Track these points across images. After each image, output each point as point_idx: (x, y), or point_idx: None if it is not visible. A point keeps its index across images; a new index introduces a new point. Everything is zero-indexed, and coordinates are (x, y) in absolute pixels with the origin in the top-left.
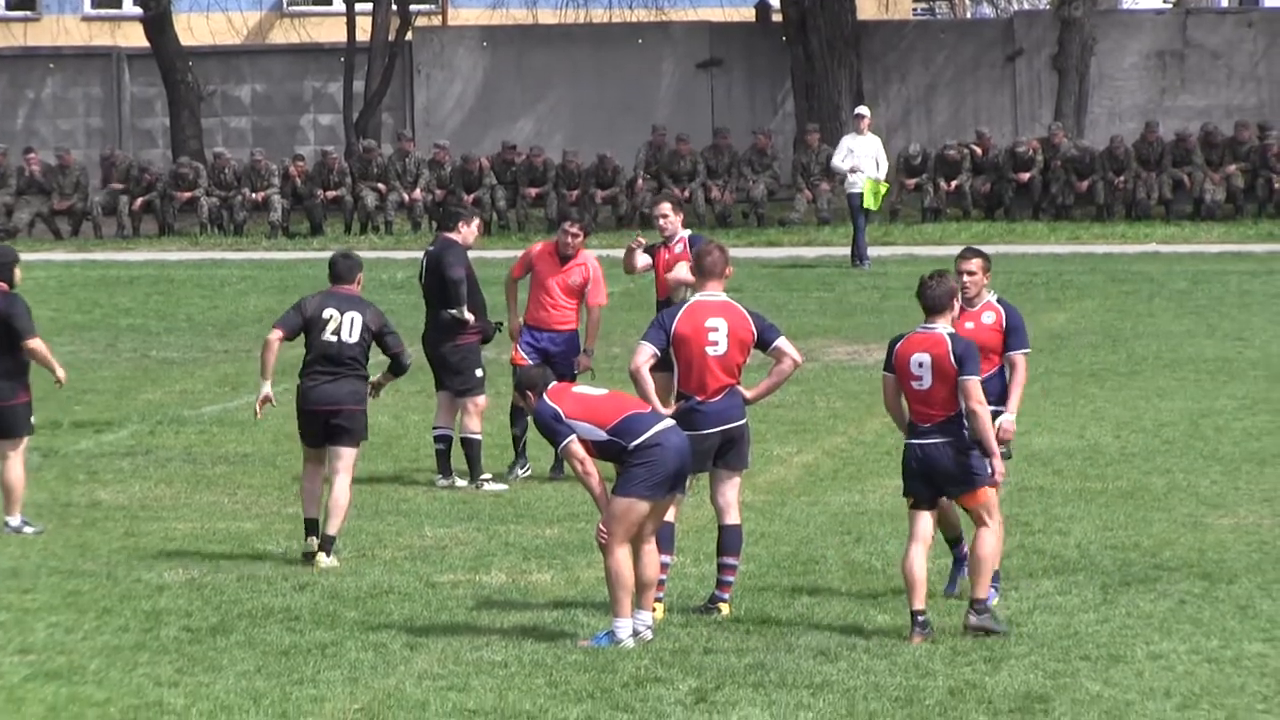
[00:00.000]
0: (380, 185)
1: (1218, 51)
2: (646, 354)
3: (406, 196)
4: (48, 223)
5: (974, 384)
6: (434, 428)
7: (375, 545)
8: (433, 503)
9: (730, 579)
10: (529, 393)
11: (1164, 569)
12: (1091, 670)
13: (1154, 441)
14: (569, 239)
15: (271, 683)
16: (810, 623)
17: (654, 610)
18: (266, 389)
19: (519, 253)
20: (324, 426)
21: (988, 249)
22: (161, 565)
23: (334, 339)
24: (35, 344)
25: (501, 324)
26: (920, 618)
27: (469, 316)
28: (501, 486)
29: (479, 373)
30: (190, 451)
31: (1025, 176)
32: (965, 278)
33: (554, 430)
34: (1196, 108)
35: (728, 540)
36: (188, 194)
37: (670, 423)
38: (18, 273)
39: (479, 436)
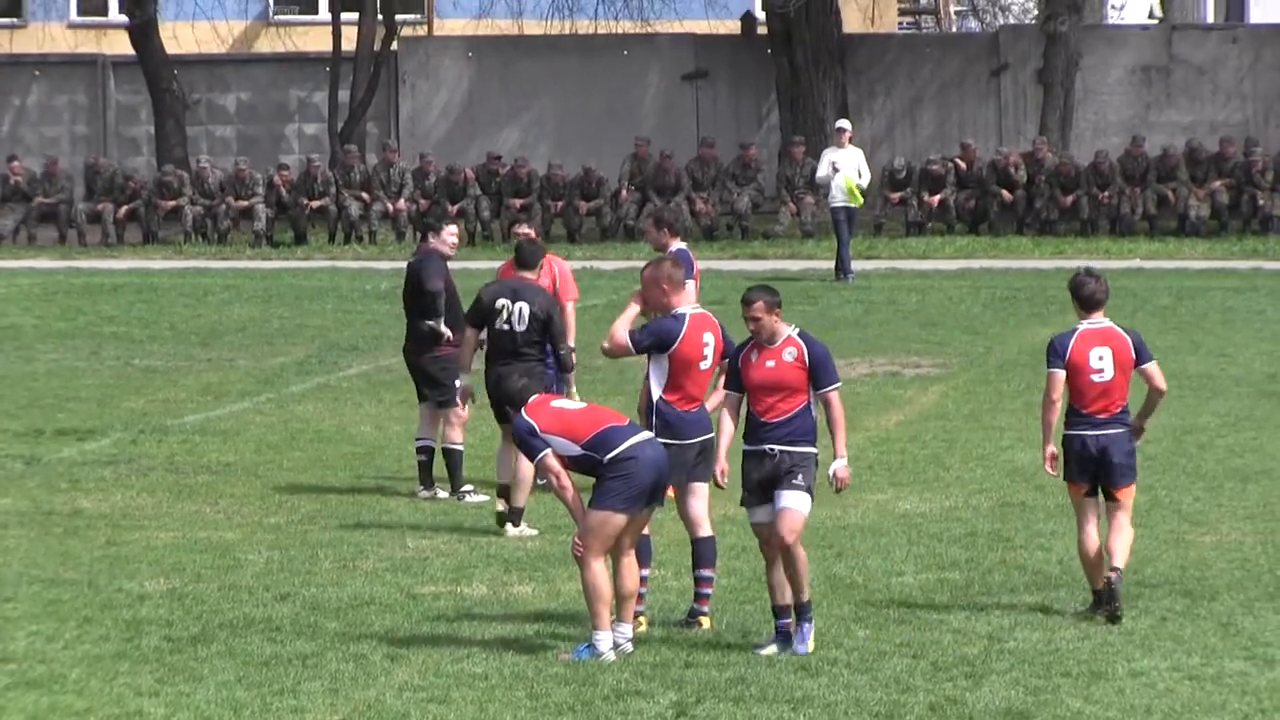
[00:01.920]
0: (364, 195)
1: (1203, 67)
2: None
3: (391, 206)
4: (28, 229)
5: (1158, 366)
6: (416, 439)
7: (357, 556)
8: (414, 514)
9: (708, 591)
10: (508, 409)
11: (1146, 586)
12: (1073, 687)
13: (1136, 457)
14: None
15: (252, 693)
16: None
17: (636, 623)
18: (464, 380)
19: (501, 263)
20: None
21: (972, 263)
22: (143, 574)
23: (506, 328)
24: None
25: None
26: (1097, 594)
27: (445, 331)
28: (483, 498)
29: (459, 384)
30: (173, 460)
31: (1010, 196)
32: (749, 323)
33: (529, 445)
34: (1182, 123)
35: (702, 553)
36: (172, 202)
37: (647, 435)
38: None
39: (460, 447)
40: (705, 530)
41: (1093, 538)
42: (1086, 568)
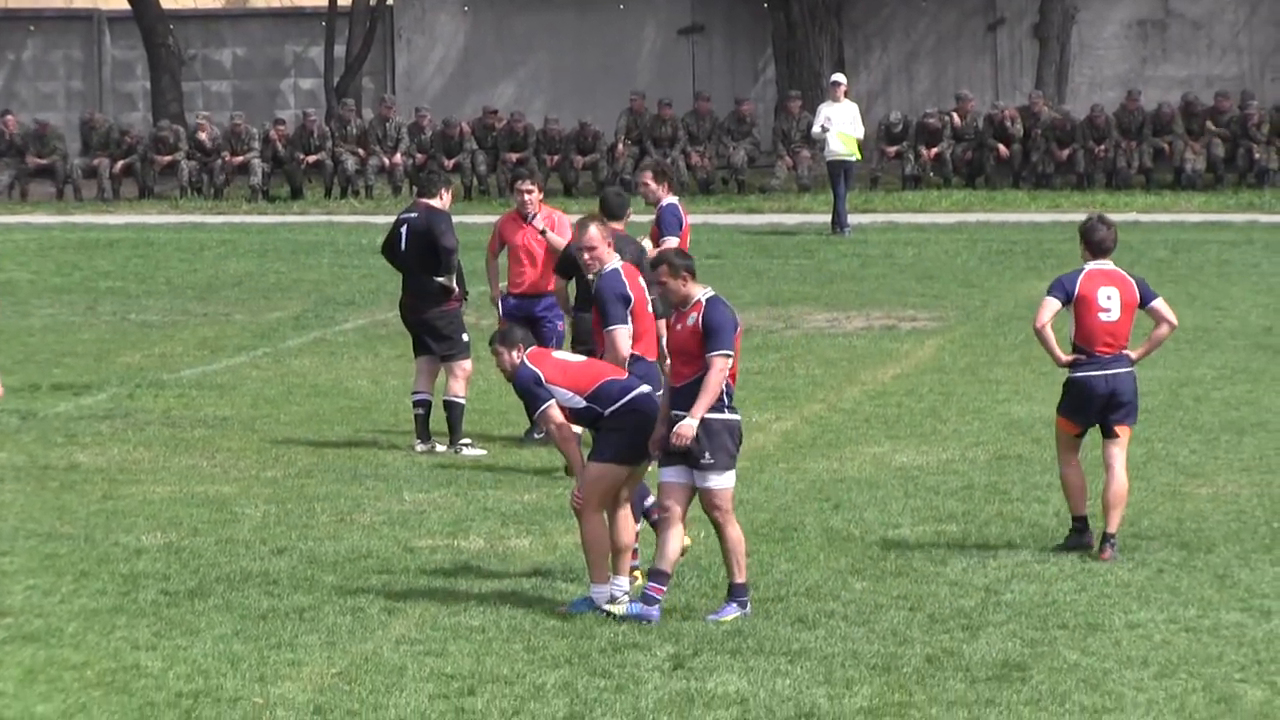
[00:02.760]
0: (360, 150)
1: (1199, 21)
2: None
3: (387, 161)
4: (21, 186)
5: (1165, 302)
6: (413, 393)
7: (354, 510)
8: (411, 468)
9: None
10: (500, 347)
11: (1142, 538)
12: (1069, 639)
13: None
14: (525, 198)
15: (249, 646)
16: (788, 589)
17: (632, 576)
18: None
19: (498, 217)
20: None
21: (968, 217)
22: (139, 528)
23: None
24: None
25: (467, 293)
26: (1079, 523)
27: (455, 287)
28: (480, 451)
29: (465, 337)
30: (169, 415)
31: (1006, 150)
32: (656, 287)
33: (533, 394)
34: (1177, 77)
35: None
36: (168, 157)
37: (645, 388)
38: None
39: (462, 400)
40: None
41: (1078, 469)
42: (1072, 496)
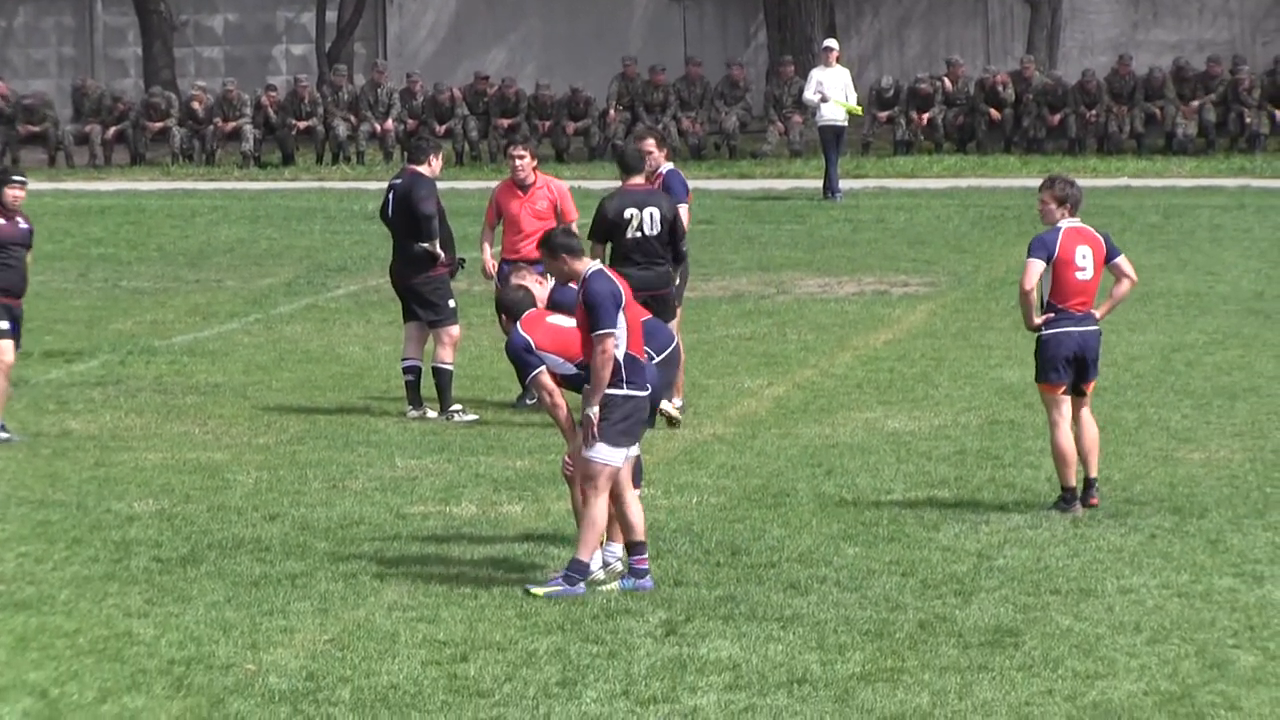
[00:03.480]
0: (351, 116)
1: None
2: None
3: (378, 127)
4: (12, 153)
5: (1127, 259)
6: (403, 359)
7: (345, 476)
8: (403, 434)
9: None
10: (505, 317)
11: (1135, 503)
12: (1062, 604)
13: (1125, 375)
14: (518, 163)
15: (241, 613)
16: (780, 555)
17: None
18: None
19: (490, 184)
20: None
21: (960, 182)
22: (131, 495)
23: (639, 235)
24: None
25: (464, 260)
26: (1069, 494)
27: (440, 252)
28: (472, 417)
29: (451, 304)
30: (161, 381)
31: (997, 115)
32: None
33: (524, 361)
34: (1169, 42)
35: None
36: (159, 124)
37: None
38: (8, 193)
39: (450, 367)
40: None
41: (1069, 435)
42: (1063, 466)
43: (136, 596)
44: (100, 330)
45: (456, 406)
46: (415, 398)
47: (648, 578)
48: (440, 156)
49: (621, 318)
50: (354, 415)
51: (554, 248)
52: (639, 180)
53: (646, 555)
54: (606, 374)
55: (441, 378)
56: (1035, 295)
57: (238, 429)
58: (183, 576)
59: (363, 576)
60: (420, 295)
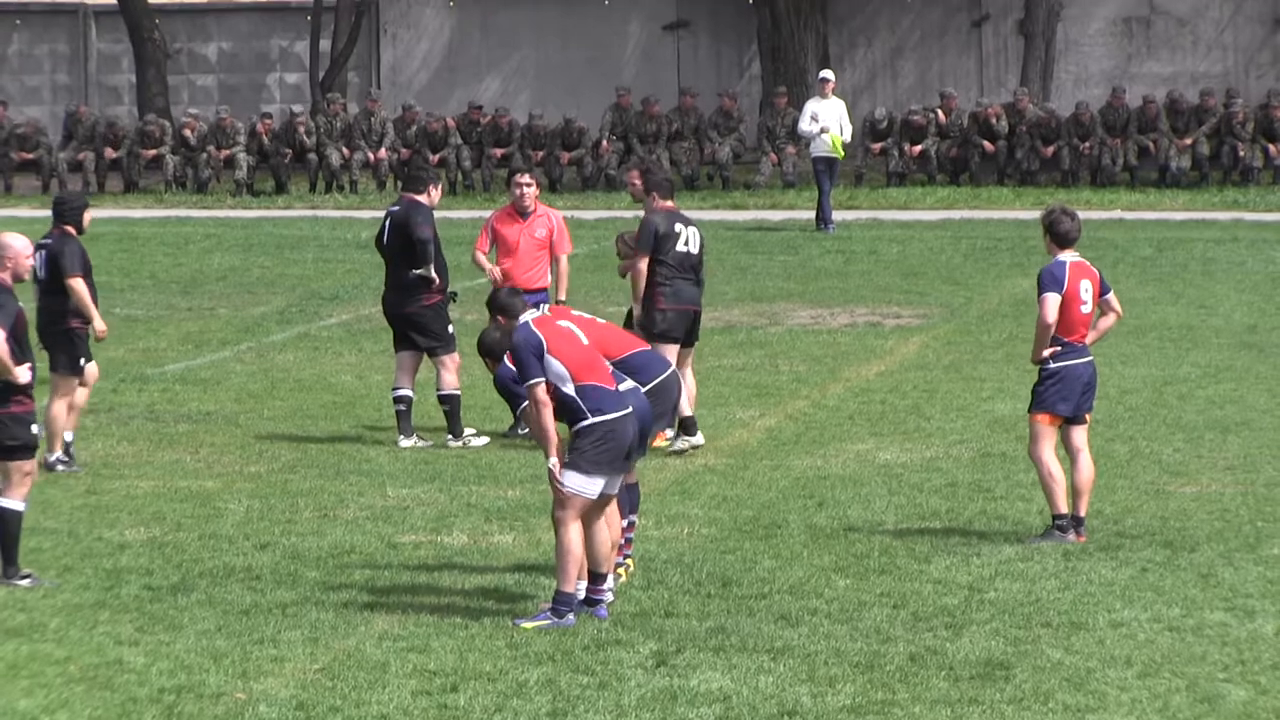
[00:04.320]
0: (344, 149)
1: (1184, 18)
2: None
3: (372, 156)
4: (6, 179)
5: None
6: (394, 389)
7: (337, 505)
8: (394, 463)
9: (630, 536)
10: (487, 360)
11: (1126, 536)
12: (1053, 637)
13: (1117, 409)
14: (522, 190)
15: (232, 642)
16: (772, 587)
17: (617, 574)
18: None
19: (484, 213)
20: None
21: (953, 214)
22: (123, 523)
23: (685, 249)
24: (73, 283)
25: (456, 294)
26: (1064, 521)
27: (435, 277)
28: (485, 440)
29: (450, 330)
30: (153, 409)
31: (991, 147)
32: None
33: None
34: (1162, 74)
35: (633, 499)
36: (153, 151)
37: (629, 409)
38: (86, 218)
39: (458, 392)
40: (632, 477)
41: (1059, 465)
42: (1057, 494)
43: (127, 624)
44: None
45: (470, 430)
46: (406, 427)
47: (602, 608)
48: (439, 188)
49: (555, 363)
50: (346, 444)
51: (491, 310)
52: (671, 204)
53: (605, 588)
54: (545, 420)
55: (451, 404)
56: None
57: (229, 457)
58: (173, 605)
59: (353, 606)
60: (417, 323)
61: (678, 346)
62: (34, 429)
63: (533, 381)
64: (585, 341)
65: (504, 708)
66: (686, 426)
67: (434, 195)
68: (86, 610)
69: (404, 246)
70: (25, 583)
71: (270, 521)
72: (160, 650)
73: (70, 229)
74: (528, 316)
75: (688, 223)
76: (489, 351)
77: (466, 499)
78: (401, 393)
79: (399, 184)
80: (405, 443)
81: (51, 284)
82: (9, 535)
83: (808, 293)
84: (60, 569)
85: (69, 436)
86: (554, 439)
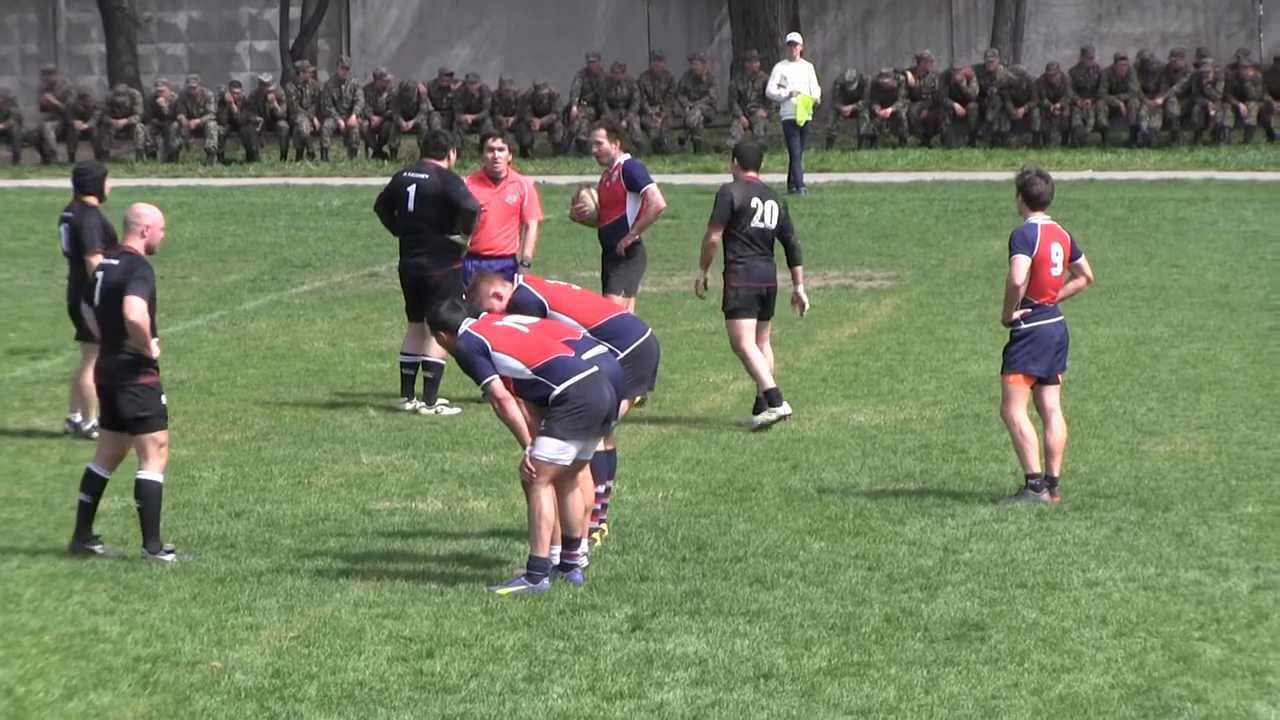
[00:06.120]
0: (315, 117)
1: None
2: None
3: (342, 123)
4: None
5: (1086, 258)
6: (403, 353)
7: (311, 473)
8: (368, 430)
9: (607, 502)
10: (442, 334)
11: (1100, 496)
12: (1028, 597)
13: (1090, 368)
14: (494, 154)
15: (207, 610)
16: (746, 550)
17: (592, 539)
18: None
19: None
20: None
21: (924, 176)
22: None
23: (760, 225)
24: (92, 260)
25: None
26: (1036, 480)
27: (467, 245)
28: (456, 410)
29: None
30: None
31: (962, 109)
32: None
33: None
34: (1133, 35)
35: (610, 464)
36: (124, 121)
37: (594, 368)
38: (107, 186)
39: (444, 363)
40: (609, 444)
41: (1030, 424)
42: (1030, 453)
43: (102, 594)
44: (65, 327)
45: (442, 401)
46: (410, 390)
47: (576, 572)
48: (456, 151)
49: (504, 358)
50: (319, 411)
51: (432, 326)
52: (755, 175)
53: (579, 553)
54: (511, 413)
55: (435, 372)
56: (1022, 291)
57: (202, 426)
58: (148, 573)
59: (328, 573)
60: (444, 289)
61: (754, 321)
62: (163, 399)
63: (486, 380)
64: (525, 331)
65: (480, 673)
66: (772, 397)
67: (453, 159)
68: (61, 580)
69: (440, 214)
70: (169, 558)
71: (244, 489)
72: (135, 619)
73: (92, 199)
74: (465, 325)
75: (767, 196)
76: (444, 327)
77: (440, 465)
78: (411, 358)
79: (370, 151)
80: (410, 405)
81: (76, 256)
82: (150, 509)
83: (779, 256)
84: (34, 539)
85: None
86: (524, 428)
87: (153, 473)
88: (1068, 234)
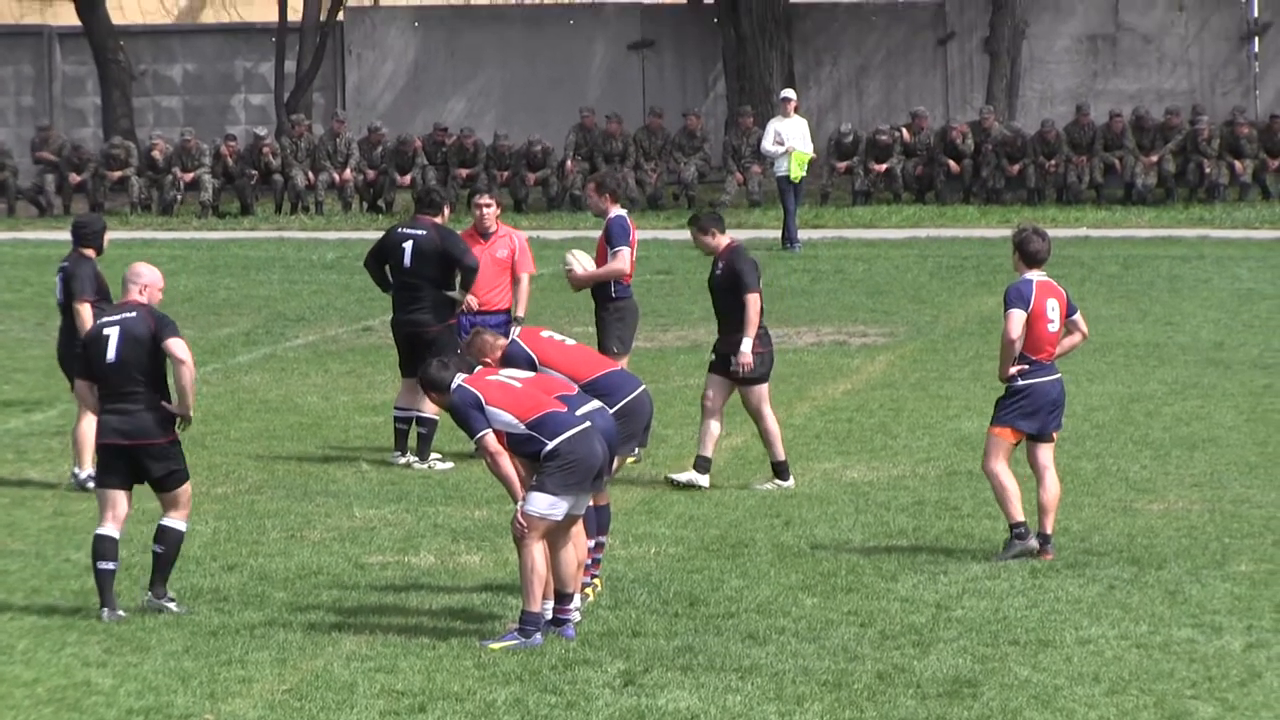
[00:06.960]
0: (310, 170)
1: (1149, 35)
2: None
3: (337, 177)
4: None
5: (1081, 315)
6: (396, 407)
7: (304, 526)
8: (361, 484)
9: (599, 557)
10: (433, 394)
11: (1093, 554)
12: (1020, 655)
13: (1084, 426)
14: (483, 211)
15: (200, 663)
16: (739, 606)
17: (584, 594)
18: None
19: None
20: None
21: (919, 232)
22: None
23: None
24: (80, 308)
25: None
26: (1021, 529)
27: (469, 300)
28: (449, 465)
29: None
30: None
31: (956, 166)
32: None
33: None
34: (1128, 91)
35: (603, 519)
36: (119, 173)
37: (587, 424)
38: (105, 240)
39: (438, 418)
40: (604, 499)
41: (1012, 474)
42: (1010, 502)
43: (95, 646)
44: (59, 380)
45: (435, 456)
46: (403, 444)
47: (569, 627)
48: (450, 207)
49: (498, 412)
50: (312, 465)
51: (423, 387)
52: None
53: (572, 608)
54: (504, 468)
55: (429, 428)
56: (1018, 346)
57: (196, 479)
58: (141, 626)
59: (321, 626)
60: (440, 344)
61: (767, 385)
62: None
63: (480, 434)
64: (519, 386)
65: None
66: (779, 471)
67: (447, 215)
68: (54, 632)
69: (439, 269)
70: (173, 605)
71: (237, 543)
72: (128, 671)
73: (89, 251)
74: (458, 380)
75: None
76: (435, 386)
77: (433, 519)
78: (405, 413)
79: (364, 205)
80: (403, 460)
81: (69, 305)
82: (169, 555)
83: (774, 312)
84: (28, 591)
85: None
86: (516, 483)
87: (179, 521)
88: (1063, 290)
